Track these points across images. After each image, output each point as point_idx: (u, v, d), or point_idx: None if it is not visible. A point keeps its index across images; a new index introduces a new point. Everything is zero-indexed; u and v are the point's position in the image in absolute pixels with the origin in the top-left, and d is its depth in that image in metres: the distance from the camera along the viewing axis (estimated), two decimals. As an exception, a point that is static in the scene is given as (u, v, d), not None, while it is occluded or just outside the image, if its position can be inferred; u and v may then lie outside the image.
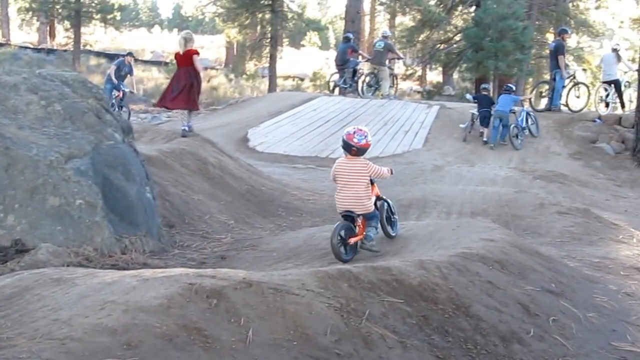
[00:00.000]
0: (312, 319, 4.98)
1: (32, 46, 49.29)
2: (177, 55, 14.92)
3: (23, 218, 7.55)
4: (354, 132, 8.12)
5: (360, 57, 29.35)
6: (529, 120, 23.06)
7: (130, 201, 8.41)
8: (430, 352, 5.16)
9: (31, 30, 59.79)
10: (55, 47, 49.45)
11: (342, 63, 28.91)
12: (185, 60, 14.61)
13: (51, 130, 8.36)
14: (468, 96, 27.13)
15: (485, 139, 22.76)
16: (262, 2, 42.43)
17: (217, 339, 4.62)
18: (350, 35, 30.63)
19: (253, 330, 4.76)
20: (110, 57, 50.41)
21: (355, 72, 28.87)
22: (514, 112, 22.50)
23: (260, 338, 4.73)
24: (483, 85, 26.21)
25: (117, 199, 8.28)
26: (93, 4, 48.21)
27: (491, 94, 25.44)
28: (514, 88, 24.50)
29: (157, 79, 43.92)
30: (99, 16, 48.45)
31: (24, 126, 8.27)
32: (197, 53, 14.76)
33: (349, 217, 8.19)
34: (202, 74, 15.12)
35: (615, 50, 24.44)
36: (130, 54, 26.84)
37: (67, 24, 47.88)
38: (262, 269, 6.91)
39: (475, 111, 23.67)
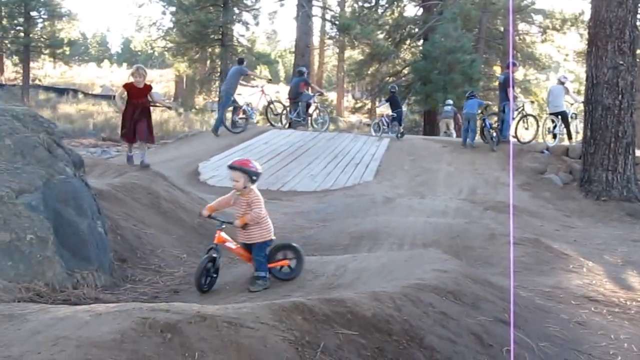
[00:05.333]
0: (267, 352, 4.96)
1: (-20, 80, 48.93)
2: None
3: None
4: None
5: (311, 90, 29.56)
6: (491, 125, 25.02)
7: (82, 236, 8.33)
8: (386, 383, 5.17)
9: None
10: (3, 82, 49.08)
11: (295, 96, 29.11)
12: None
13: (1, 165, 8.26)
14: (382, 102, 29.44)
15: (400, 134, 27.07)
16: (211, 36, 42.51)
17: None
18: (304, 69, 30.83)
19: (208, 364, 4.73)
20: (60, 91, 50.16)
21: (308, 105, 29.10)
22: (481, 115, 24.34)
23: (215, 372, 4.71)
24: (391, 87, 28.08)
25: (69, 234, 8.19)
26: (42, 39, 48.00)
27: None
28: (475, 93, 26.07)
29: (107, 113, 43.73)
30: (48, 51, 48.27)
31: (-27, 161, 8.19)
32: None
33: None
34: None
35: (562, 83, 24.86)
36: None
37: (15, 58, 47.65)
38: (216, 303, 6.87)
39: (389, 112, 27.72)
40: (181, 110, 46.62)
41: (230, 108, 28.12)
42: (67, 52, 51.16)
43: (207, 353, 4.80)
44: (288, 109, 30.15)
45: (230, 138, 26.30)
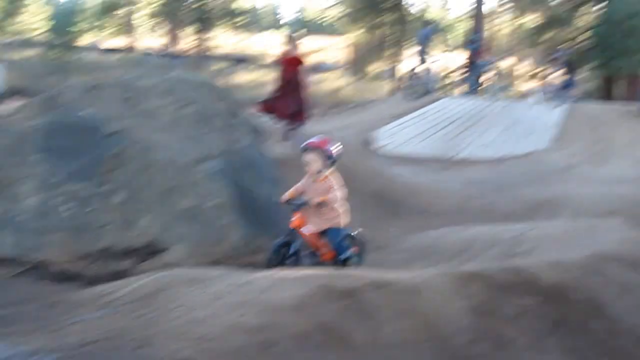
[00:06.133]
0: (445, 320, 4.96)
1: (157, 51, 50.25)
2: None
3: (157, 219, 7.71)
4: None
5: (486, 58, 29.09)
6: None
7: (260, 203, 8.51)
8: (565, 353, 5.08)
9: (157, 36, 60.91)
10: (180, 52, 50.31)
11: (470, 64, 28.73)
12: None
13: (183, 133, 8.52)
14: (556, 68, 28.89)
15: (572, 100, 26.09)
16: (384, 4, 42.37)
17: (351, 339, 4.64)
18: (478, 37, 30.36)
19: (386, 330, 4.76)
20: (233, 61, 51.08)
21: (482, 73, 28.68)
22: None
23: (393, 338, 4.73)
24: (562, 53, 27.68)
25: (248, 200, 8.37)
26: (217, 9, 48.93)
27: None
28: None
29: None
30: (223, 21, 49.16)
31: (157, 129, 8.45)
32: None
33: None
34: None
35: None
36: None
37: (192, 29, 48.76)
38: (392, 270, 6.89)
39: (562, 79, 27.21)
40: (355, 77, 46.71)
41: (409, 75, 28.03)
42: (241, 22, 51.91)
43: (385, 319, 4.83)
44: (463, 77, 29.78)
45: (404, 106, 26.15)
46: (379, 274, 5.55)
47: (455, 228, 9.63)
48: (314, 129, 14.19)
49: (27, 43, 45.20)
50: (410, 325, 4.86)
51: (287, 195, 7.71)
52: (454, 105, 25.59)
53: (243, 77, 45.88)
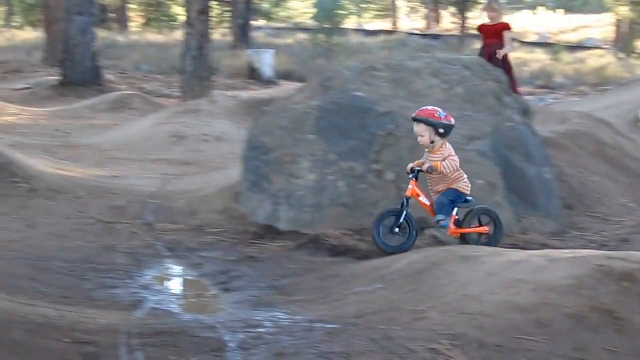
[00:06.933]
0: None
1: (419, 32, 50.57)
2: None
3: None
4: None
5: None
6: None
7: (529, 182, 8.48)
8: None
9: (418, 18, 61.46)
10: (441, 33, 50.46)
11: None
12: None
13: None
14: None
15: None
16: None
17: (630, 322, 4.59)
18: None
19: (668, 315, 4.66)
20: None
21: None
22: None
23: (676, 324, 4.62)
24: None
25: (517, 180, 8.36)
26: (479, -11, 48.80)
27: None
28: None
29: (542, 60, 43.53)
30: (483, 1, 48.98)
31: (427, 109, 8.60)
32: None
33: None
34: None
35: None
36: None
37: (452, 9, 48.82)
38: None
39: None
40: (621, 55, 45.18)
41: None
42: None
43: (667, 305, 4.73)
44: None
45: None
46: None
47: None
48: (580, 107, 13.86)
49: (294, 28, 46.82)
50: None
51: (410, 166, 7.23)
52: None
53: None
